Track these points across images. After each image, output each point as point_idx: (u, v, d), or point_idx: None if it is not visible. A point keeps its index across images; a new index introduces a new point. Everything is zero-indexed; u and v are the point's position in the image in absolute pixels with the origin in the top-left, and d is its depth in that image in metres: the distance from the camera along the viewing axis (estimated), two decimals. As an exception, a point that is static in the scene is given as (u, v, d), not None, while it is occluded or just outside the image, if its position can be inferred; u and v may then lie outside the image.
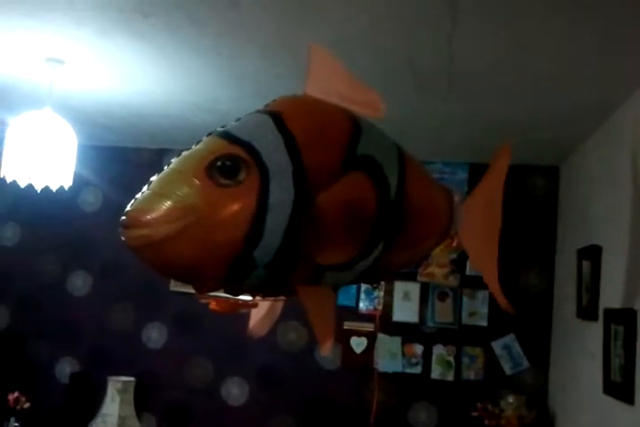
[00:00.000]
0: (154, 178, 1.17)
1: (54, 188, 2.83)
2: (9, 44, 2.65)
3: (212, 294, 1.30)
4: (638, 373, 2.32)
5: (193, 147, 1.22)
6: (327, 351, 1.33)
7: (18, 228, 4.43)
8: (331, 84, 1.41)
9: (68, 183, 2.86)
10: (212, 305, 1.41)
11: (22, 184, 2.74)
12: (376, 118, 1.42)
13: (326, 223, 1.21)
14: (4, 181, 2.77)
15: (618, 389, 2.50)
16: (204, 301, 1.38)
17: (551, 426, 3.60)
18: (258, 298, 1.46)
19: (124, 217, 1.11)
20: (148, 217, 1.08)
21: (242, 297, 1.40)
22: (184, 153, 1.21)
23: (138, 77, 2.95)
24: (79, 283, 4.30)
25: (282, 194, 1.16)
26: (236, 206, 1.13)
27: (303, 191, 1.18)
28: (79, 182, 3.14)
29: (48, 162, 2.73)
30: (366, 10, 2.12)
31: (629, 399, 2.37)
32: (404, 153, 1.49)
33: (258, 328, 1.52)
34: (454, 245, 3.99)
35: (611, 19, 2.02)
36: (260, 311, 1.52)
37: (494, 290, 1.87)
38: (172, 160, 1.21)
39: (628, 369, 2.39)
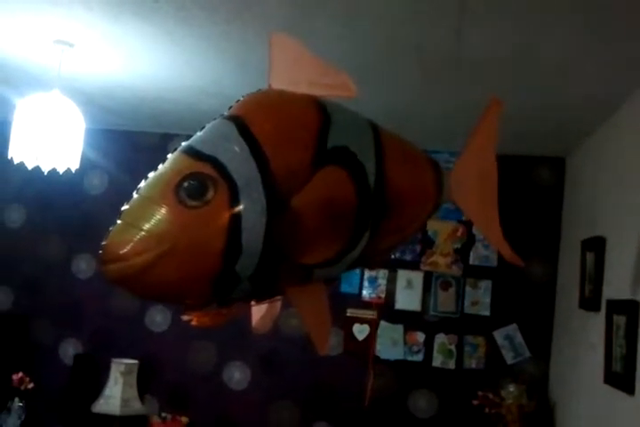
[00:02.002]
0: (125, 207, 1.15)
1: (61, 170, 2.84)
2: (19, 26, 2.65)
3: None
4: (639, 363, 2.34)
5: (160, 166, 1.20)
6: (325, 351, 1.31)
7: (23, 210, 4.45)
8: (297, 72, 1.36)
9: (75, 166, 2.87)
10: (194, 322, 1.35)
11: (30, 166, 2.75)
12: (349, 98, 1.36)
13: (305, 225, 1.19)
14: (11, 162, 2.78)
15: (619, 379, 2.52)
16: (186, 318, 1.33)
17: (551, 415, 3.62)
18: (252, 303, 1.43)
19: (100, 251, 1.12)
20: (123, 250, 1.09)
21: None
22: (151, 175, 1.19)
23: (146, 62, 2.95)
24: (83, 265, 4.32)
25: (253, 205, 1.14)
26: (208, 227, 1.12)
27: (276, 198, 1.16)
28: (85, 165, 3.14)
29: (55, 144, 2.73)
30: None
31: (630, 389, 2.38)
32: (379, 132, 1.41)
33: (260, 326, 1.51)
34: (459, 234, 4.00)
35: (620, 11, 2.01)
36: (262, 309, 1.49)
37: (499, 244, 1.82)
38: (141, 185, 1.18)
39: (630, 359, 2.40)
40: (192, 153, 1.18)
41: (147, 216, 1.11)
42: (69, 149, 2.80)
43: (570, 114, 3.13)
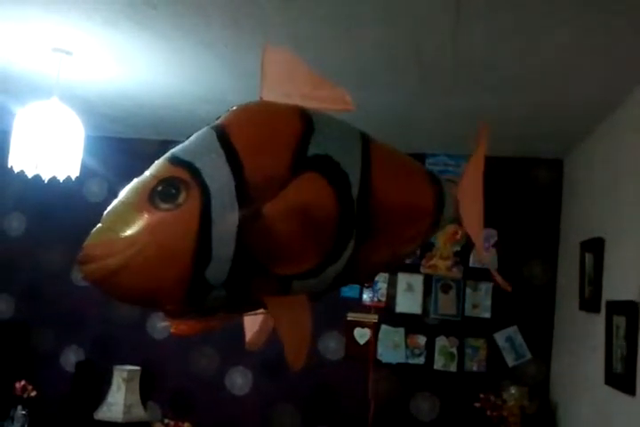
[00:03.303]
0: (105, 211, 1.19)
1: (61, 178, 2.85)
2: (18, 33, 2.66)
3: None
4: (640, 364, 2.34)
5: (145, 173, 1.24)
6: (297, 367, 1.24)
7: (23, 218, 4.46)
8: (289, 85, 1.35)
9: (75, 173, 2.88)
10: (172, 329, 1.35)
11: (30, 174, 2.76)
12: (347, 111, 1.35)
13: (278, 233, 1.16)
14: (11, 171, 2.79)
15: (619, 380, 2.52)
16: (165, 324, 1.33)
17: (553, 417, 3.62)
18: (243, 317, 1.41)
19: (80, 253, 1.15)
20: (97, 252, 1.12)
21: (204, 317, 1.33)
22: (134, 180, 1.22)
23: (144, 69, 2.97)
24: (84, 273, 4.32)
25: (225, 211, 1.13)
26: (177, 230, 1.12)
27: (249, 204, 1.15)
28: (84, 173, 3.16)
29: (55, 152, 2.74)
30: (372, 2, 2.12)
31: (631, 390, 2.39)
32: (370, 144, 1.38)
33: (254, 341, 1.44)
34: (458, 237, 4.01)
35: (617, 13, 2.03)
36: (254, 324, 1.43)
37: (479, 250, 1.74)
38: (122, 191, 1.21)
39: (630, 360, 2.41)
40: (172, 159, 1.21)
41: (120, 219, 1.14)
42: (69, 157, 2.81)
43: (567, 115, 3.14)
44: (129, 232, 1.13)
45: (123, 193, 1.20)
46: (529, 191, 4.05)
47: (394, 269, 4.04)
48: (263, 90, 1.33)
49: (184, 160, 1.20)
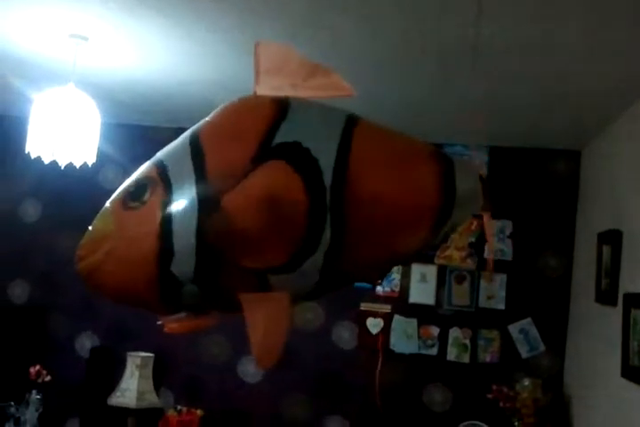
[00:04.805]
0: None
1: (78, 164, 2.85)
2: (34, 19, 2.65)
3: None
4: (657, 357, 2.32)
5: None
6: (265, 366, 1.22)
7: (39, 204, 4.48)
8: (281, 77, 1.32)
9: (91, 160, 2.88)
10: (165, 328, 1.36)
11: (46, 160, 2.77)
12: (346, 97, 1.28)
13: (239, 224, 1.13)
14: (28, 157, 2.80)
15: (636, 373, 2.50)
16: (160, 323, 1.34)
17: (566, 409, 3.61)
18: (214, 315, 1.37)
19: None
20: (83, 251, 1.21)
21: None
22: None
23: (160, 55, 2.95)
24: (99, 259, 4.34)
25: (185, 204, 1.15)
26: (141, 227, 1.16)
27: (208, 198, 1.15)
28: (100, 160, 3.16)
29: (72, 138, 2.74)
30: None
31: (647, 384, 2.37)
32: (356, 128, 1.27)
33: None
34: (473, 228, 3.98)
35: (637, 4, 1.99)
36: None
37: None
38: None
39: (647, 354, 2.39)
40: (153, 159, 1.27)
41: (100, 221, 1.23)
42: (86, 144, 2.81)
43: (586, 106, 3.10)
44: (104, 232, 1.20)
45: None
46: (545, 182, 4.02)
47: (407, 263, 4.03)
48: (256, 85, 1.32)
49: (158, 159, 1.24)
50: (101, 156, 3.15)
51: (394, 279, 4.08)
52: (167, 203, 1.16)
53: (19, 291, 4.42)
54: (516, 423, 3.56)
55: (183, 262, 1.15)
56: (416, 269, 4.06)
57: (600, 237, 3.21)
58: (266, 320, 1.21)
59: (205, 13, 2.43)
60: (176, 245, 1.14)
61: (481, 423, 3.74)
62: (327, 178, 1.17)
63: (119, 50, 2.93)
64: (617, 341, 2.73)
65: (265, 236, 1.15)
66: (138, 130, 4.35)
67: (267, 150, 1.18)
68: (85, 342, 4.30)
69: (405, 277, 4.06)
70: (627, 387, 2.60)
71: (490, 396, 3.66)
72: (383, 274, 1.42)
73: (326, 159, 1.19)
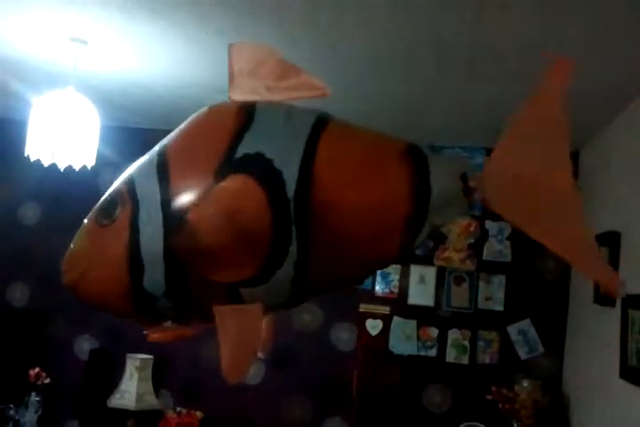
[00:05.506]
0: None
1: (77, 167, 2.86)
2: (34, 23, 2.66)
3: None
4: (655, 358, 2.33)
5: None
6: (234, 379, 1.17)
7: (39, 207, 4.48)
8: (255, 80, 1.28)
9: (90, 163, 2.89)
10: (148, 337, 1.38)
11: (46, 163, 2.77)
12: (322, 97, 1.24)
13: (204, 240, 1.13)
14: (27, 160, 2.81)
15: (635, 374, 2.51)
16: (145, 332, 1.37)
17: (565, 411, 3.62)
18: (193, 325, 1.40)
19: None
20: (65, 265, 1.26)
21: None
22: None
23: (159, 59, 2.96)
24: (98, 262, 4.35)
25: (151, 222, 1.16)
26: (112, 244, 1.19)
27: (173, 214, 1.15)
28: (100, 163, 3.17)
29: (71, 141, 2.75)
30: (391, -9, 2.11)
31: (645, 384, 2.38)
32: (323, 132, 1.21)
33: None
34: (472, 229, 4.00)
35: (636, 4, 2.00)
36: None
37: (601, 277, 1.19)
38: None
39: (645, 354, 2.40)
40: (125, 173, 1.27)
41: (78, 238, 1.27)
42: (85, 147, 2.82)
43: (584, 106, 3.11)
44: (80, 249, 1.25)
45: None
46: (544, 184, 4.02)
47: (406, 261, 4.04)
48: (230, 89, 1.28)
49: (129, 174, 1.25)
50: (100, 159, 3.16)
51: (392, 281, 4.08)
52: (134, 220, 1.17)
53: (18, 294, 4.43)
54: (516, 425, 3.57)
55: (154, 278, 1.17)
56: (415, 271, 4.06)
57: (598, 239, 3.21)
58: (237, 333, 1.19)
59: (204, 17, 2.44)
60: (145, 261, 1.16)
61: (480, 425, 3.75)
62: (290, 190, 1.14)
63: (118, 53, 2.94)
64: (615, 342, 2.74)
65: (230, 250, 1.14)
66: (137, 133, 4.35)
67: (229, 163, 1.16)
68: (84, 345, 4.30)
69: (404, 278, 4.07)
70: (625, 388, 2.60)
71: (489, 397, 3.66)
72: (359, 281, 1.34)
73: (290, 170, 1.15)
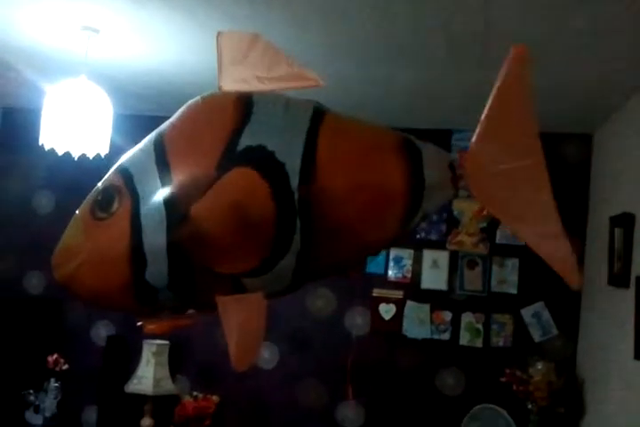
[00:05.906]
0: None
1: (91, 155, 2.88)
2: (46, 12, 2.67)
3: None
4: (670, 339, 2.34)
5: None
6: (242, 367, 1.20)
7: (53, 195, 4.52)
8: (245, 69, 1.27)
9: (104, 151, 2.91)
10: (145, 329, 1.38)
11: (60, 152, 2.79)
12: (315, 87, 1.23)
13: (208, 233, 1.13)
14: (41, 148, 2.83)
15: (649, 355, 2.52)
16: (140, 324, 1.36)
17: (580, 392, 3.63)
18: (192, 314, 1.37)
19: None
20: (57, 261, 1.24)
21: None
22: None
23: (171, 47, 2.97)
24: (113, 249, 4.38)
25: (153, 215, 1.15)
26: (112, 239, 1.17)
27: (176, 207, 1.15)
28: (113, 151, 3.18)
29: (85, 129, 2.77)
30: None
31: (661, 365, 2.38)
32: (322, 124, 1.23)
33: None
34: (485, 213, 3.99)
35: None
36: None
37: (557, 259, 1.30)
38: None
39: (660, 336, 2.40)
40: (118, 166, 1.25)
41: (71, 231, 1.24)
42: (99, 135, 2.84)
43: (597, 89, 3.09)
44: (75, 242, 1.22)
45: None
46: (557, 166, 3.97)
47: (419, 245, 4.05)
48: (220, 79, 1.27)
49: (123, 166, 1.23)
50: (114, 147, 3.18)
51: (405, 265, 4.10)
52: (135, 214, 1.16)
53: (35, 282, 4.47)
54: (530, 406, 3.59)
55: (157, 271, 1.17)
56: (428, 255, 4.07)
57: (612, 221, 3.21)
58: (242, 322, 1.21)
59: (216, 3, 2.44)
60: (148, 255, 1.16)
61: (495, 407, 3.77)
62: (294, 181, 1.16)
63: (130, 41, 2.94)
64: (630, 323, 2.74)
65: (234, 243, 1.15)
66: (150, 121, 4.30)
67: (231, 156, 1.16)
68: (101, 331, 4.35)
69: (417, 263, 4.08)
70: (639, 369, 2.62)
71: (503, 379, 3.68)
72: (355, 266, 1.37)
73: (292, 162, 1.17)
